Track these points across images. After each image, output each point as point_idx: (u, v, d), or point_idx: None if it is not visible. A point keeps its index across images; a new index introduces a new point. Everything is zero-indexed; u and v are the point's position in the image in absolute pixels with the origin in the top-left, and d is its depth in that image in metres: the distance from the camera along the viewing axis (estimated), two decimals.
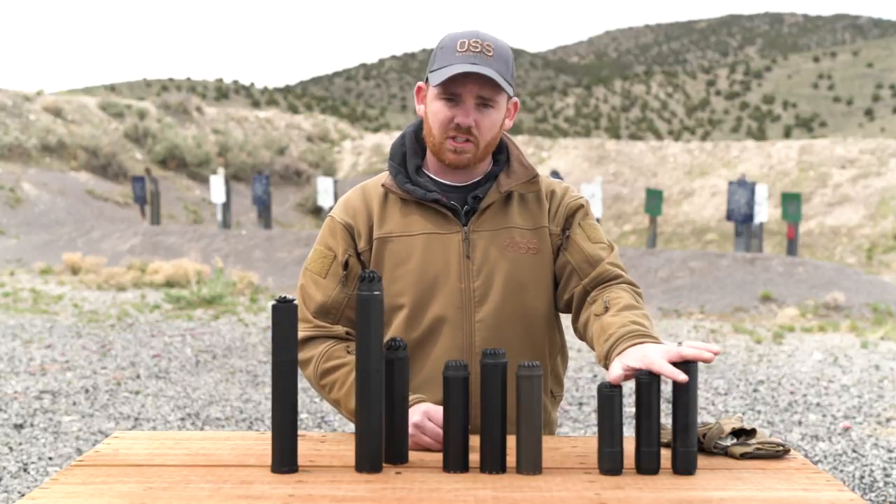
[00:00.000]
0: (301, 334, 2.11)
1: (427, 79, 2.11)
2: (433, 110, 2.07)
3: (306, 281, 2.16)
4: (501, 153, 2.19)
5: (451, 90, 2.04)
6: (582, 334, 2.11)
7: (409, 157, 2.17)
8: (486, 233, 2.11)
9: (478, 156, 2.09)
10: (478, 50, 2.03)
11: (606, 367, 1.88)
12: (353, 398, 1.99)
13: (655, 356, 1.75)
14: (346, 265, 2.13)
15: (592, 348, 2.02)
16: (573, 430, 6.12)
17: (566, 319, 2.27)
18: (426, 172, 2.17)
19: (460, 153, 2.07)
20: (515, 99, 2.15)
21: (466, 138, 2.06)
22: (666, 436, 1.85)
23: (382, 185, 2.15)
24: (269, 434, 1.85)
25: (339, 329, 2.13)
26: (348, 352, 2.08)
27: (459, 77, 2.02)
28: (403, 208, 2.13)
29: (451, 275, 2.09)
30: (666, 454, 1.78)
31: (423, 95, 2.14)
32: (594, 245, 2.13)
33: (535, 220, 2.14)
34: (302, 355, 2.11)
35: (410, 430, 1.88)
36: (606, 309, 2.00)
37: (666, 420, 1.92)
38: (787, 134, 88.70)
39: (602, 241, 2.14)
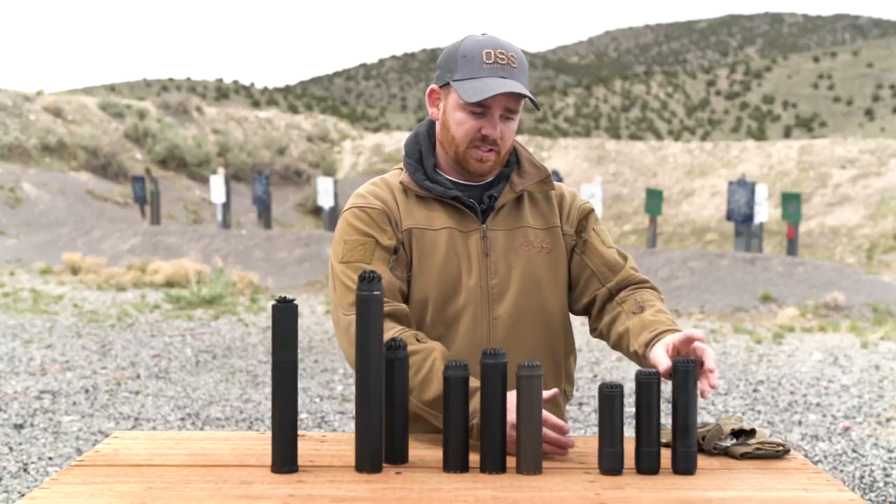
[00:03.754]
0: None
1: (446, 83, 2.08)
2: (457, 120, 2.07)
3: (345, 270, 2.04)
4: (510, 154, 2.21)
5: (481, 103, 2.04)
6: (605, 332, 2.15)
7: (424, 155, 2.17)
8: (501, 231, 2.13)
9: (498, 163, 2.12)
10: (504, 62, 2.05)
11: (642, 355, 1.98)
12: (428, 388, 1.93)
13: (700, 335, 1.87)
14: (395, 250, 2.07)
15: (617, 345, 2.10)
16: (573, 430, 6.12)
17: (576, 321, 2.29)
18: (440, 171, 2.18)
19: (484, 161, 2.09)
20: None
21: (490, 148, 2.08)
22: (666, 436, 1.85)
23: (401, 182, 2.14)
24: (269, 434, 1.85)
25: (404, 308, 2.04)
26: (418, 340, 1.99)
27: None
28: (424, 204, 2.13)
29: (472, 271, 2.09)
30: (666, 454, 1.78)
31: (437, 99, 2.13)
32: (609, 249, 2.20)
33: (548, 220, 2.18)
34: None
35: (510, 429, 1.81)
36: (642, 308, 2.07)
37: (666, 420, 1.92)
38: (787, 134, 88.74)
39: (612, 245, 2.22)
